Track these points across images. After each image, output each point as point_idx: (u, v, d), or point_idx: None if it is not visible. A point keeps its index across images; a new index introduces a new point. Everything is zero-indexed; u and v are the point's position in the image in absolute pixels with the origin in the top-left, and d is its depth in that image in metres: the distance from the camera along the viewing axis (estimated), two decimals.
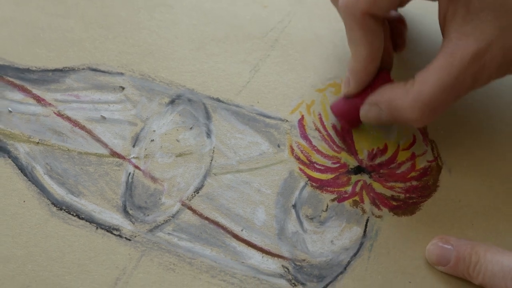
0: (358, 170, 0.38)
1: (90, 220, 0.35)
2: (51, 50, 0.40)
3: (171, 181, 0.37)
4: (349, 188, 0.38)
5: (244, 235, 0.36)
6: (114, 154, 0.37)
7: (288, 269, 0.35)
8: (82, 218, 0.35)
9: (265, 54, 0.42)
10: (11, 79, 0.39)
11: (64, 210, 0.35)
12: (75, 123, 0.38)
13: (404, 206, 0.37)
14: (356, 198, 0.37)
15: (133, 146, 0.38)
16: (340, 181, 0.38)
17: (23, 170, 0.36)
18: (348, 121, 0.39)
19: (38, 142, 0.37)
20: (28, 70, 0.39)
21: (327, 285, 0.35)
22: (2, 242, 0.34)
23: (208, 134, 0.39)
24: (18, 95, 0.38)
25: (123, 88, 0.39)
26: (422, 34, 0.44)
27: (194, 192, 0.37)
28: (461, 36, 0.33)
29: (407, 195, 0.38)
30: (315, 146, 0.39)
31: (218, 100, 0.40)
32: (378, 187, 0.38)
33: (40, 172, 0.36)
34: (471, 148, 0.40)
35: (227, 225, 0.36)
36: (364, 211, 0.37)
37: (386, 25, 0.38)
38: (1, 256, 0.34)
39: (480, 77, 0.34)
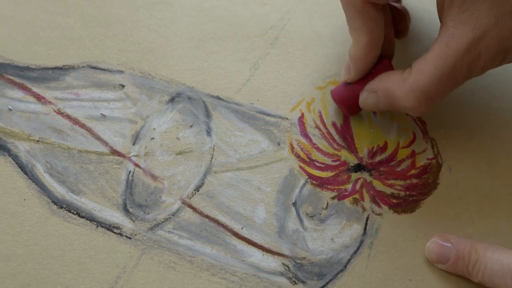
0: (358, 168, 0.38)
1: (91, 218, 0.35)
2: (51, 48, 0.40)
3: (171, 179, 0.37)
4: (349, 186, 0.38)
5: (245, 233, 0.36)
6: (114, 152, 0.37)
7: (288, 267, 0.35)
8: (83, 217, 0.35)
9: (265, 52, 0.42)
10: (11, 77, 0.39)
11: (65, 208, 0.35)
12: (75, 121, 0.38)
13: (404, 204, 0.37)
14: (356, 196, 0.37)
15: (133, 144, 0.38)
16: (340, 179, 0.38)
17: (23, 168, 0.36)
18: (347, 107, 0.39)
19: (38, 140, 0.37)
20: (28, 68, 0.39)
21: (327, 283, 0.35)
22: (3, 240, 0.34)
23: (208, 132, 0.39)
24: (18, 93, 0.38)
25: (123, 86, 0.39)
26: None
27: (194, 190, 0.37)
28: (457, 25, 0.33)
29: (407, 192, 0.38)
30: (315, 144, 0.39)
31: (218, 98, 0.40)
32: (378, 184, 0.38)
33: (40, 170, 0.36)
34: (471, 145, 0.40)
35: (227, 223, 0.36)
36: (364, 209, 0.37)
37: (388, 12, 0.38)
38: (1, 255, 0.34)
39: (476, 66, 0.34)
